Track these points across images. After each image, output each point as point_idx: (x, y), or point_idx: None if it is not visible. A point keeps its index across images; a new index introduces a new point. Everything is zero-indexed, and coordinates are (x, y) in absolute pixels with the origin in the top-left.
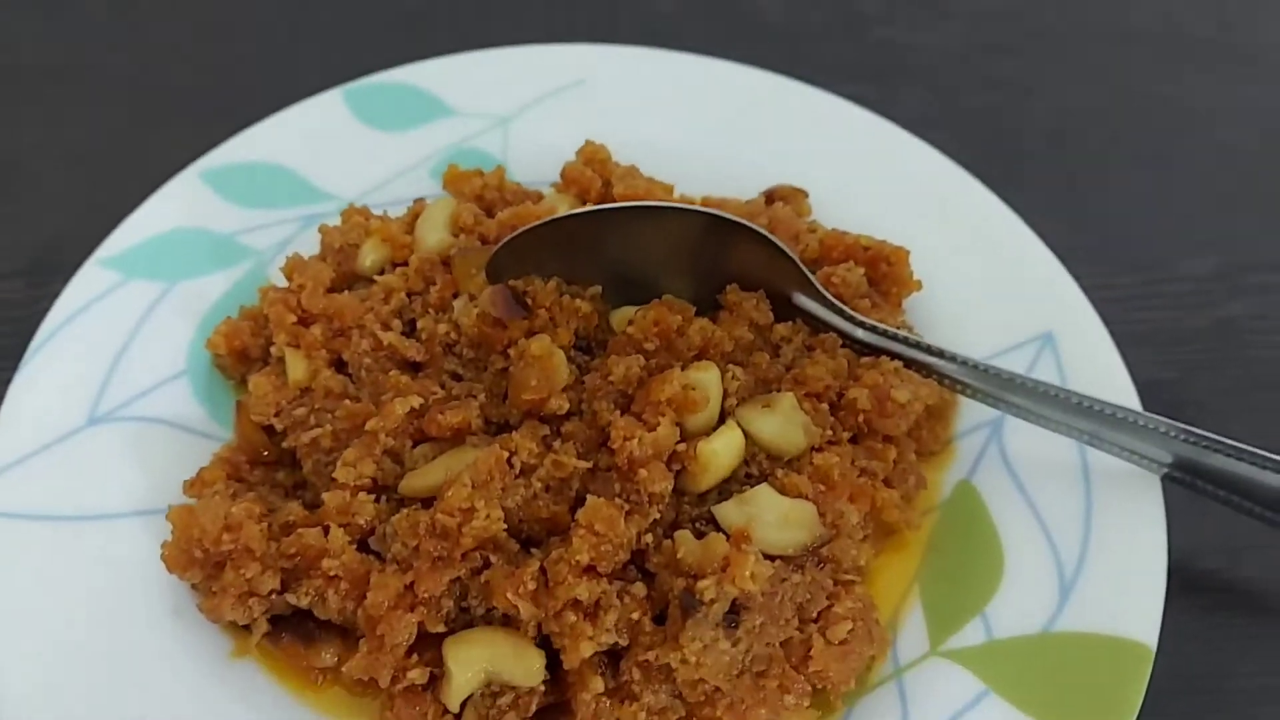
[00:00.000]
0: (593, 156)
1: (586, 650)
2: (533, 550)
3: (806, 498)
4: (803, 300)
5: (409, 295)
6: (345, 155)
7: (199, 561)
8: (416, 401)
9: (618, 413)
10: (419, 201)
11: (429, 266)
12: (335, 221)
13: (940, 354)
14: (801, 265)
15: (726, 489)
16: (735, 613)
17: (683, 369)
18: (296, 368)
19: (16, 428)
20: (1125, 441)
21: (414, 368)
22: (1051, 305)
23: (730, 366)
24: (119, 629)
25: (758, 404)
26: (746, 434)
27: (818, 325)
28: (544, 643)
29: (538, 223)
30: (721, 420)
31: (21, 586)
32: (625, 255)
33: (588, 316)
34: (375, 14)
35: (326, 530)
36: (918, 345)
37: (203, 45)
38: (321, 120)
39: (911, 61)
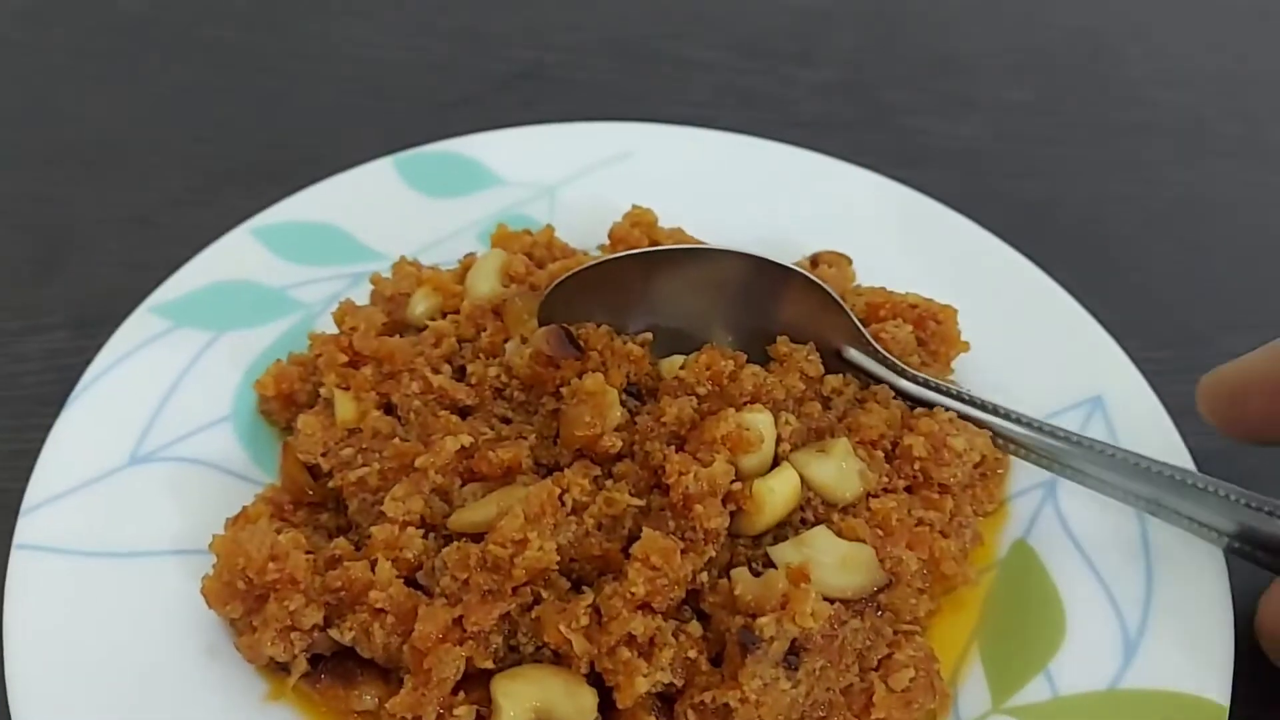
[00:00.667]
0: (640, 219)
1: (641, 688)
2: (584, 589)
3: (864, 542)
4: (853, 354)
5: (459, 341)
6: (395, 218)
7: (240, 594)
8: (467, 440)
9: (673, 449)
10: (469, 256)
11: (480, 314)
12: (385, 277)
13: (995, 410)
14: (853, 316)
15: (781, 533)
16: (795, 653)
17: (734, 410)
18: (345, 408)
19: (58, 463)
20: (1187, 509)
21: (463, 412)
22: (1099, 369)
23: (784, 414)
24: (151, 667)
25: (812, 449)
26: (801, 478)
27: (868, 379)
28: (595, 681)
29: (590, 263)
30: (775, 465)
31: (53, 620)
32: (674, 300)
33: (639, 360)
34: (425, 96)
35: (374, 565)
36: (971, 400)
37: (255, 119)
38: (372, 185)
39: (941, 149)
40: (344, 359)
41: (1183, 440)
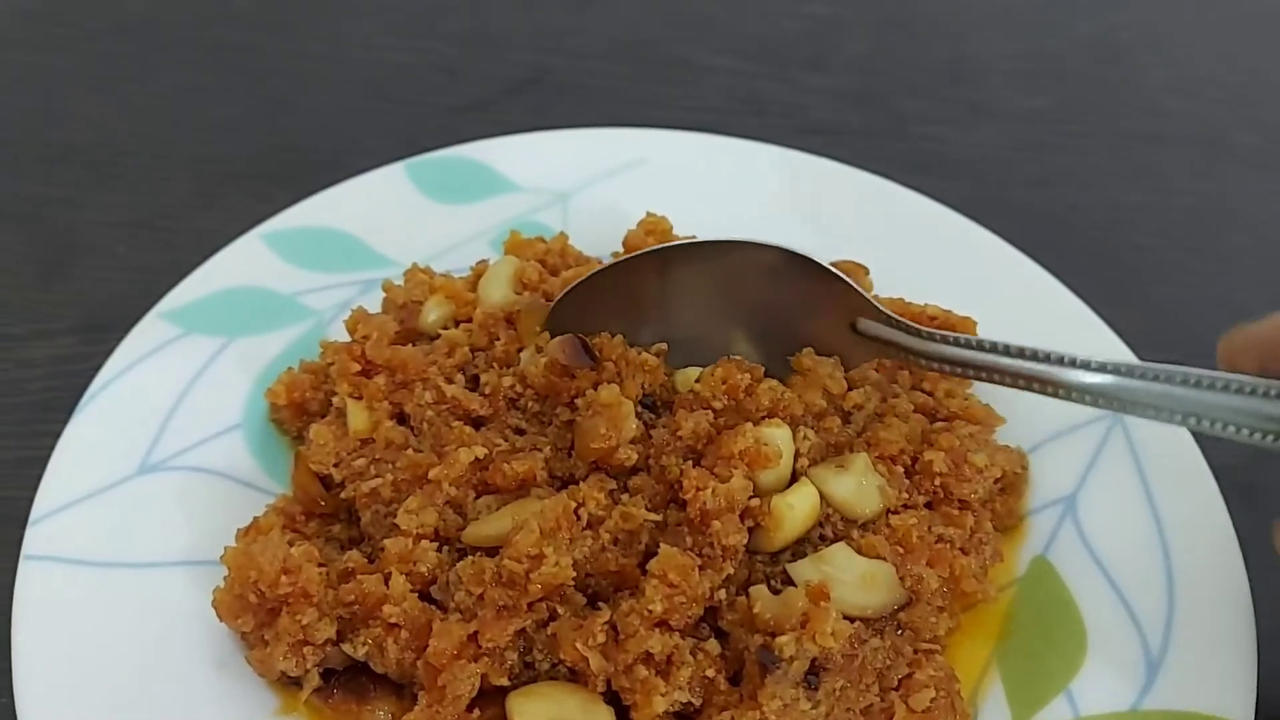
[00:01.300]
0: (654, 227)
1: (659, 706)
2: (600, 605)
3: (884, 559)
4: (868, 325)
5: (472, 350)
6: (406, 224)
7: (252, 608)
8: (481, 451)
9: (689, 464)
10: (481, 263)
11: (493, 322)
12: (397, 284)
13: (1034, 356)
14: (860, 289)
15: (800, 550)
16: (815, 673)
17: (752, 424)
18: (358, 418)
19: (67, 472)
20: None
21: (476, 423)
22: None
23: (802, 428)
24: (161, 681)
25: (831, 464)
26: (820, 494)
27: (888, 350)
28: (611, 699)
29: (600, 267)
30: (794, 481)
31: (62, 632)
32: (683, 297)
33: (654, 372)
34: (433, 100)
35: (387, 578)
36: (1008, 351)
37: (262, 121)
38: (383, 191)
39: (955, 158)
40: (356, 368)
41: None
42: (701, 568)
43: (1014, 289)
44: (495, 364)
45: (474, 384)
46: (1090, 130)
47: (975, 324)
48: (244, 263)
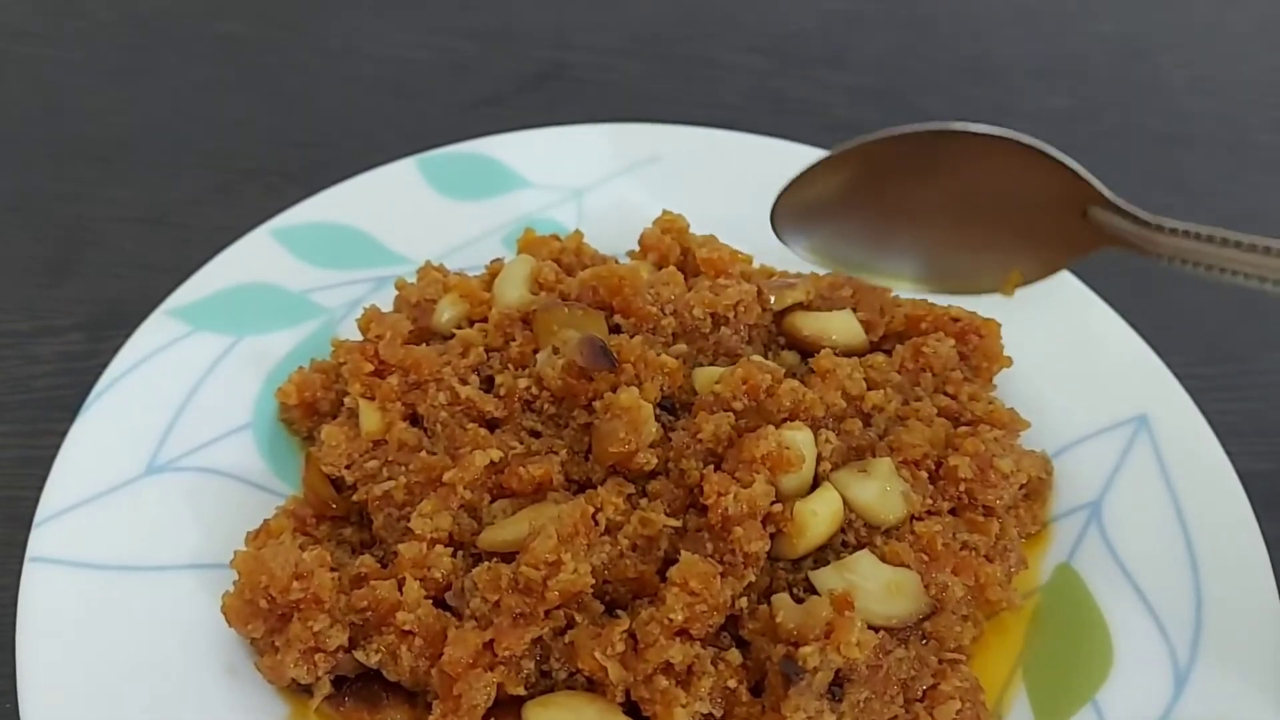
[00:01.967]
0: (670, 225)
1: (680, 718)
2: (618, 613)
3: (909, 567)
4: (1099, 214)
5: (487, 351)
6: (418, 221)
7: (262, 613)
8: (496, 455)
9: (710, 469)
10: (496, 261)
11: (508, 323)
12: (410, 282)
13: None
14: (1092, 179)
15: (822, 557)
16: (839, 684)
17: (773, 428)
18: (370, 419)
19: (73, 473)
20: None
21: (490, 425)
22: (1144, 388)
23: (824, 431)
24: (170, 687)
25: (854, 469)
26: (843, 499)
27: (1118, 240)
28: (630, 710)
29: (824, 156)
30: (816, 485)
31: (68, 637)
32: (914, 186)
33: (673, 374)
34: (446, 95)
35: (401, 584)
36: (1241, 245)
37: (273, 117)
38: (395, 186)
39: None
40: (369, 368)
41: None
42: (723, 575)
43: (1039, 291)
44: (510, 365)
45: (488, 385)
46: (1112, 131)
47: (998, 326)
48: (253, 259)
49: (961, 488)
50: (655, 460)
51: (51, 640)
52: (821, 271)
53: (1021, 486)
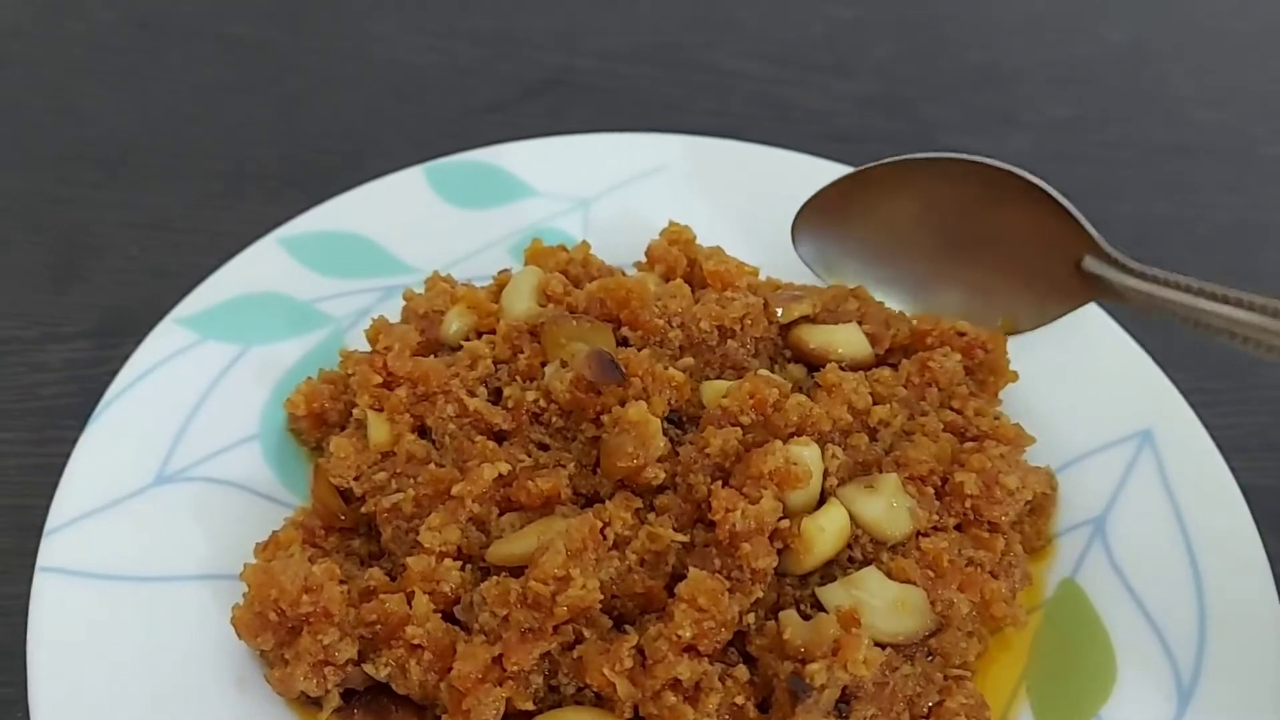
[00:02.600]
0: (677, 237)
1: None
2: (626, 628)
3: (915, 584)
4: (1093, 265)
5: (495, 363)
6: (425, 229)
7: (272, 626)
8: (505, 467)
9: (718, 484)
10: (504, 272)
11: (516, 335)
12: (417, 291)
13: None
14: (1088, 225)
15: (829, 572)
16: (846, 701)
17: (781, 442)
18: (379, 431)
19: (83, 482)
20: None
21: (498, 437)
22: (1149, 402)
23: (830, 446)
24: (177, 699)
25: (860, 484)
26: (850, 515)
27: (1111, 295)
28: None
29: (845, 174)
30: (822, 500)
31: (75, 648)
32: (920, 211)
33: (680, 387)
34: (451, 101)
35: (410, 597)
36: (1248, 305)
37: (280, 123)
38: (402, 195)
39: None
40: (378, 380)
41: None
42: (730, 591)
43: None
44: (518, 377)
45: (496, 397)
46: (1117, 141)
47: (1005, 340)
48: (261, 267)
49: (967, 504)
50: (663, 475)
51: (62, 650)
52: (826, 284)
53: (1026, 502)
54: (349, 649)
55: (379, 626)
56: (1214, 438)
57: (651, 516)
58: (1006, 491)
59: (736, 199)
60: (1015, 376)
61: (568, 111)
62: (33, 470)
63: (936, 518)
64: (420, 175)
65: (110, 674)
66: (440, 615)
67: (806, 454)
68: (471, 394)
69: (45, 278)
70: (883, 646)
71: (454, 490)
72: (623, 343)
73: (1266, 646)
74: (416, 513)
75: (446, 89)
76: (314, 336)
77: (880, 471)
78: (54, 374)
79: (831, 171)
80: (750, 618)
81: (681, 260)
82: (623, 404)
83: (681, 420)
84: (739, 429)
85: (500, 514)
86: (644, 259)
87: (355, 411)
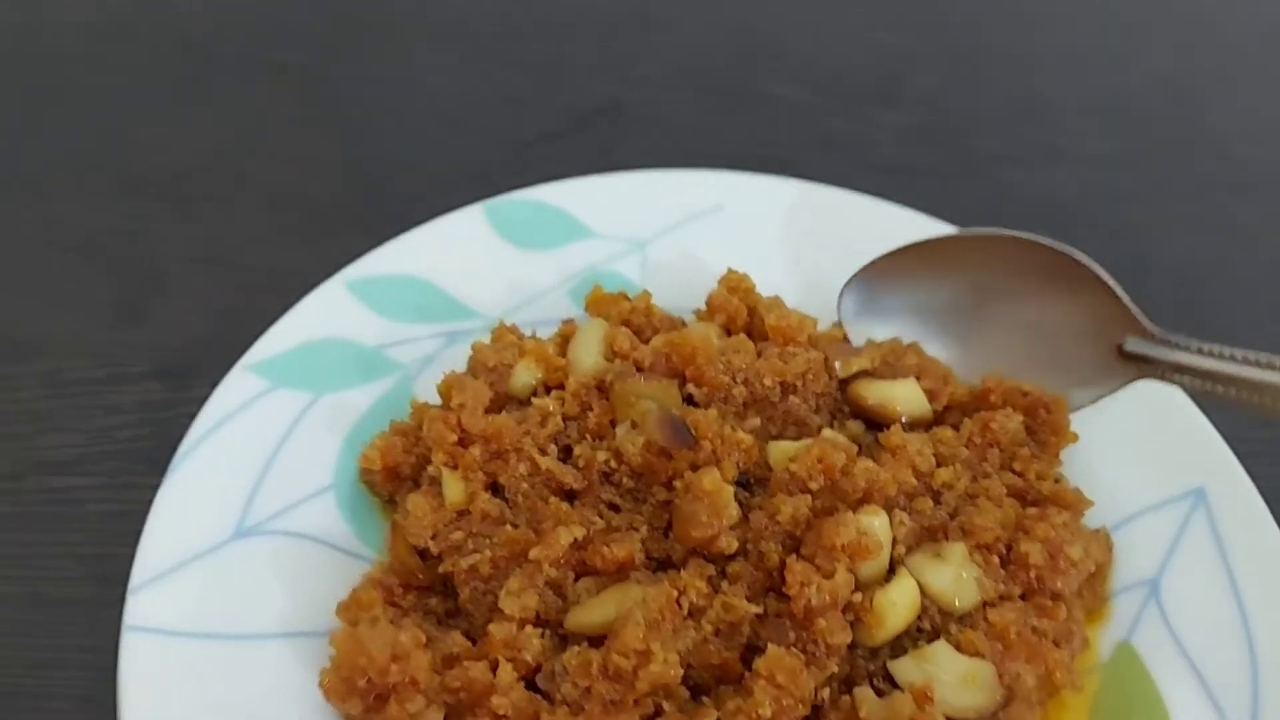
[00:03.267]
0: (736, 285)
1: None
2: (704, 699)
3: (984, 657)
4: (1136, 345)
5: (565, 420)
6: (486, 272)
7: (360, 691)
8: (580, 531)
9: (793, 556)
10: (568, 323)
11: (585, 391)
12: (478, 338)
13: None
14: (1134, 307)
15: (899, 643)
16: None
17: (851, 512)
18: (454, 489)
19: (164, 537)
20: None
21: (569, 496)
22: (1200, 460)
23: (897, 512)
24: None
25: (928, 553)
26: (919, 585)
27: (1154, 371)
28: None
29: (904, 245)
30: (891, 569)
31: (167, 708)
32: (969, 289)
33: (749, 450)
34: (503, 131)
35: (494, 665)
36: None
37: (332, 154)
38: (463, 235)
39: (1028, 203)
40: (453, 438)
41: None
42: (805, 665)
43: None
44: (588, 435)
45: (565, 454)
46: (1163, 178)
47: (1065, 401)
48: (329, 312)
49: (1032, 574)
50: (736, 543)
51: (154, 712)
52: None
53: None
54: (435, 716)
55: (463, 694)
56: (1261, 489)
57: (725, 585)
58: (1070, 562)
59: (791, 241)
60: (1075, 437)
61: (617, 143)
62: (113, 518)
63: (1002, 587)
64: (480, 214)
65: None
66: (523, 684)
67: (877, 524)
68: (543, 452)
69: (108, 315)
70: None
71: (531, 554)
72: (688, 399)
73: None
74: (494, 574)
75: (496, 118)
76: (382, 384)
77: (946, 537)
78: (128, 416)
79: (884, 214)
80: (825, 692)
81: (742, 310)
82: (694, 468)
83: (749, 482)
84: (808, 495)
85: (576, 578)
86: (703, 306)
87: (429, 469)
